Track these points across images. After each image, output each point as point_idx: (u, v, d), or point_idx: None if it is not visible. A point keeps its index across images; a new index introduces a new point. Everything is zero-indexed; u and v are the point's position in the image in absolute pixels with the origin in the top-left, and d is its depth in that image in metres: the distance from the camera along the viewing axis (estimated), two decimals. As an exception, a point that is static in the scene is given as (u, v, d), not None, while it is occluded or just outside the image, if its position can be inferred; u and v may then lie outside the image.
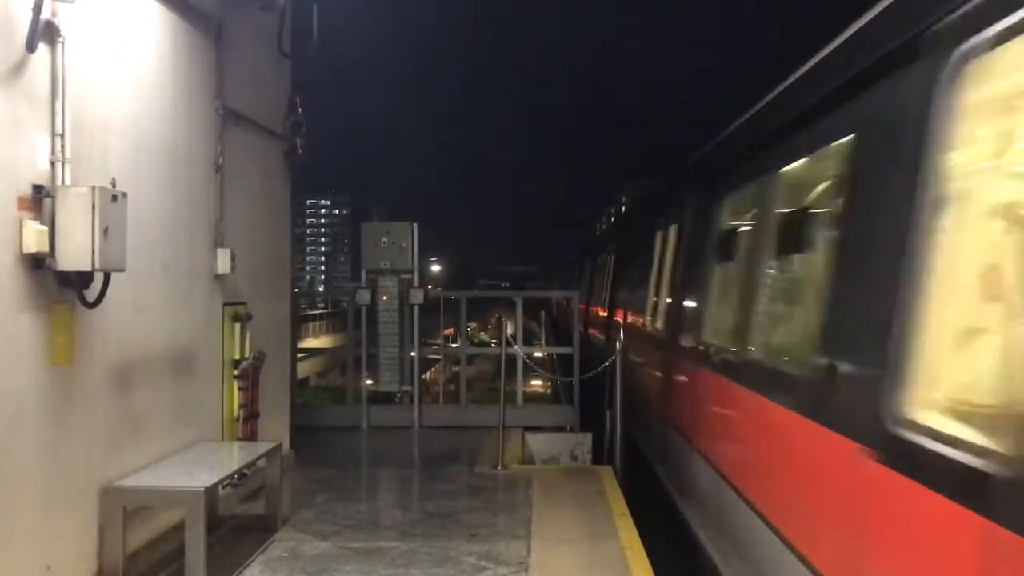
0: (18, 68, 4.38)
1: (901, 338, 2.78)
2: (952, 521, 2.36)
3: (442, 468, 8.73)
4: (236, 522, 6.62)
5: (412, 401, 11.13)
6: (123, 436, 5.42)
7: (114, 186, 4.86)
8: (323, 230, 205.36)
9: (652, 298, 9.82)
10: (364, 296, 11.07)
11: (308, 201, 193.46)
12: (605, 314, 16.00)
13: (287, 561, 5.79)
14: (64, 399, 4.74)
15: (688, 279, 7.48)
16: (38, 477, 4.52)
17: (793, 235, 4.45)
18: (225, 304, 7.05)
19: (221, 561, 5.63)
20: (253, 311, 7.49)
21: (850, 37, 3.98)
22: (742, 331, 5.21)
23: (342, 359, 12.80)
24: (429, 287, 18.20)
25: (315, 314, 34.97)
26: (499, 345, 11.30)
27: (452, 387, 17.72)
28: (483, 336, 51.70)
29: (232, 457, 6.39)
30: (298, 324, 14.10)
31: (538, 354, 17.02)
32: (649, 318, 9.85)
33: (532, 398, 18.00)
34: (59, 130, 4.63)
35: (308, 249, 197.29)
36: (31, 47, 4.43)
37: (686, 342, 7.10)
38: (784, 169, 4.72)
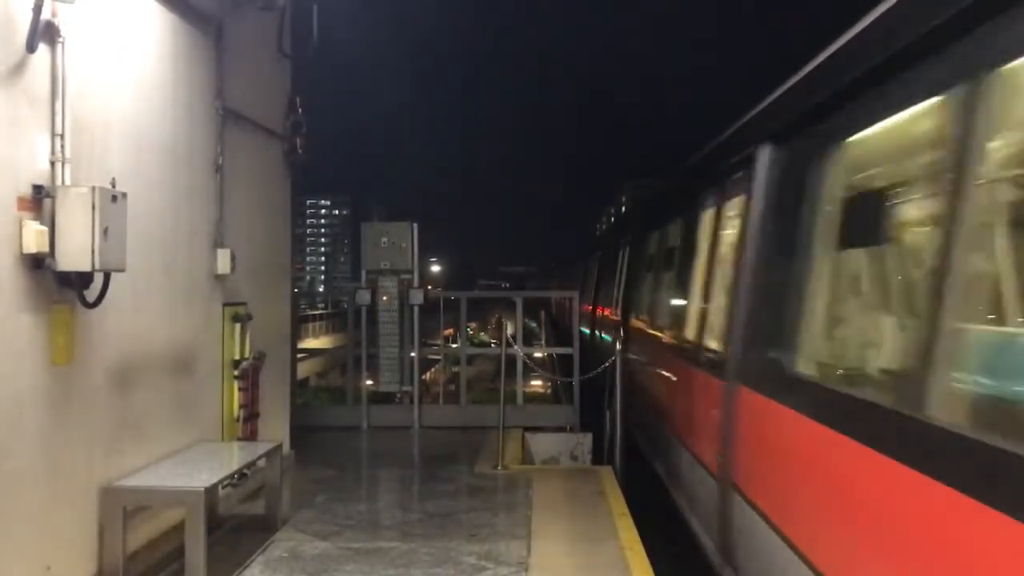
0: (18, 68, 4.38)
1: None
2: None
3: (442, 468, 8.73)
4: (236, 522, 6.62)
5: (412, 401, 11.13)
6: (123, 436, 5.42)
7: (114, 186, 4.86)
8: (323, 230, 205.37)
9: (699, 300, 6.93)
10: (364, 296, 11.07)
11: (308, 201, 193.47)
12: (619, 318, 13.00)
13: (287, 561, 5.79)
14: (64, 399, 4.74)
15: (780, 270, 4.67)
16: (38, 477, 4.52)
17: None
18: (225, 304, 7.06)
19: (221, 561, 5.62)
20: (253, 311, 7.49)
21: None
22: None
23: (342, 359, 12.79)
24: (429, 287, 18.19)
25: (315, 314, 34.97)
26: (499, 345, 11.30)
27: (452, 387, 17.71)
28: (483, 336, 51.70)
29: (232, 457, 6.39)
30: (298, 324, 14.09)
31: (538, 354, 17.00)
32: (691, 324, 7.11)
33: (532, 398, 17.98)
34: (59, 130, 4.63)
35: (308, 249, 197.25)
36: (31, 47, 4.43)
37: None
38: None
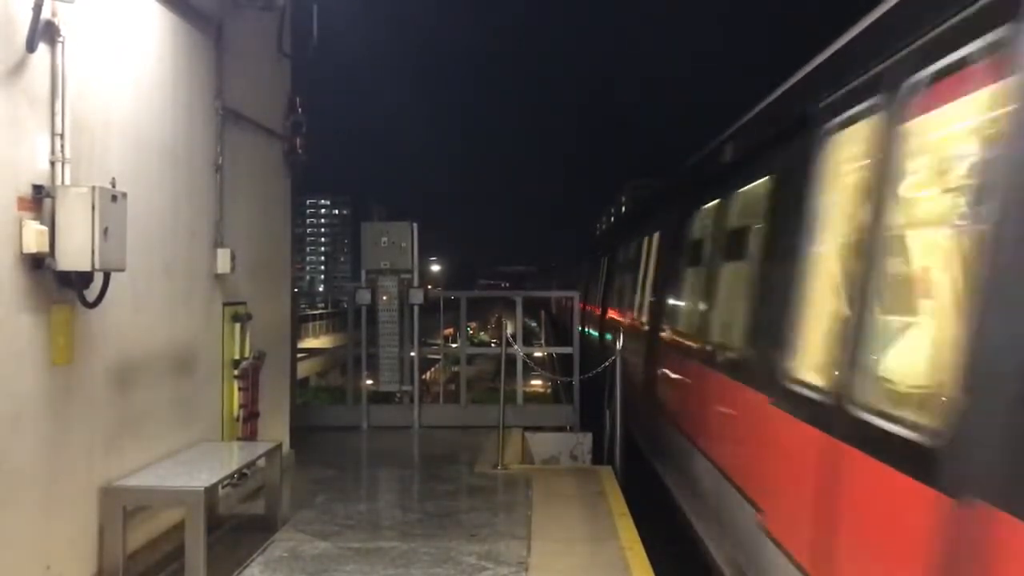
0: (18, 68, 4.38)
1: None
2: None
3: (442, 468, 8.73)
4: (236, 522, 6.62)
5: (412, 401, 11.13)
6: (123, 436, 5.42)
7: (114, 186, 4.86)
8: (323, 230, 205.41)
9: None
10: (364, 296, 11.07)
11: (308, 201, 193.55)
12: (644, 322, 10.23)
13: (287, 561, 5.79)
14: (64, 399, 4.74)
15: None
16: (38, 477, 4.52)
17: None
18: (225, 304, 7.05)
19: (221, 561, 5.63)
20: (253, 311, 7.49)
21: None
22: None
23: (342, 359, 12.79)
24: (429, 287, 18.18)
25: (315, 314, 34.95)
26: (499, 345, 11.29)
27: (452, 387, 17.68)
28: (483, 336, 51.70)
29: (232, 457, 6.39)
30: (298, 324, 14.10)
31: (538, 354, 17.00)
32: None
33: (532, 398, 17.95)
34: (59, 130, 4.63)
35: (308, 249, 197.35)
36: (31, 47, 4.43)
37: None
38: None
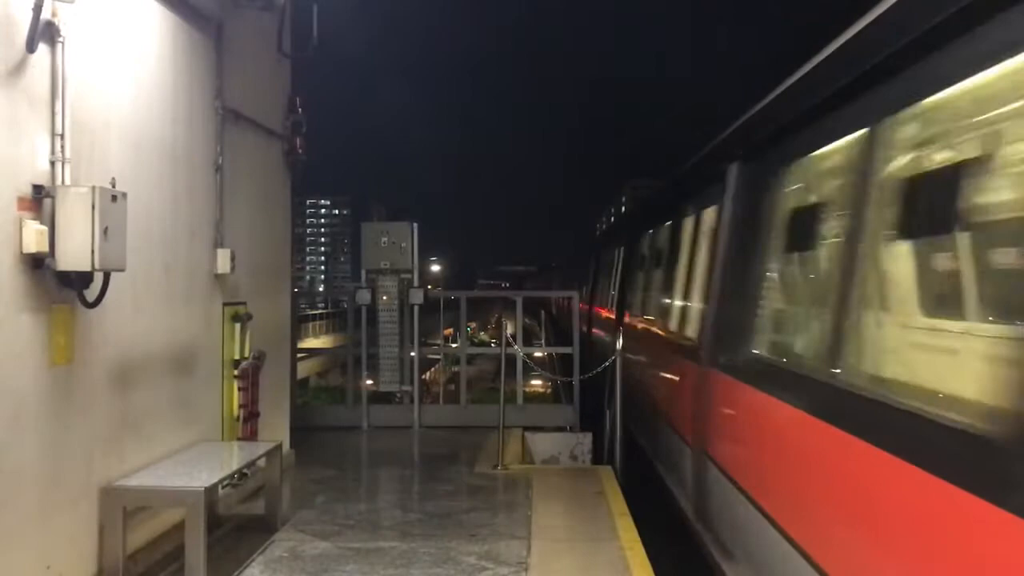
0: (18, 68, 4.38)
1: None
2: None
3: (442, 468, 8.73)
4: (236, 522, 6.62)
5: (412, 401, 11.13)
6: (123, 436, 5.42)
7: (114, 186, 4.86)
8: (323, 230, 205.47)
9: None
10: (364, 296, 11.07)
11: (308, 201, 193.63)
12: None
13: (287, 561, 5.79)
14: (64, 399, 4.74)
15: None
16: (38, 477, 4.52)
17: None
18: (225, 304, 7.06)
19: (221, 561, 5.63)
20: (253, 311, 7.49)
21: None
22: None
23: (342, 359, 12.79)
24: (429, 287, 18.17)
25: (315, 314, 34.98)
26: (499, 345, 11.30)
27: (452, 387, 17.69)
28: (483, 336, 51.72)
29: (232, 457, 6.39)
30: (298, 324, 14.10)
31: (538, 354, 17.00)
32: None
33: (532, 398, 17.95)
34: (59, 130, 4.63)
35: (308, 249, 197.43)
36: (31, 47, 4.43)
37: None
38: None
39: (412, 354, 11.22)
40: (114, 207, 4.71)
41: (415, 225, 11.35)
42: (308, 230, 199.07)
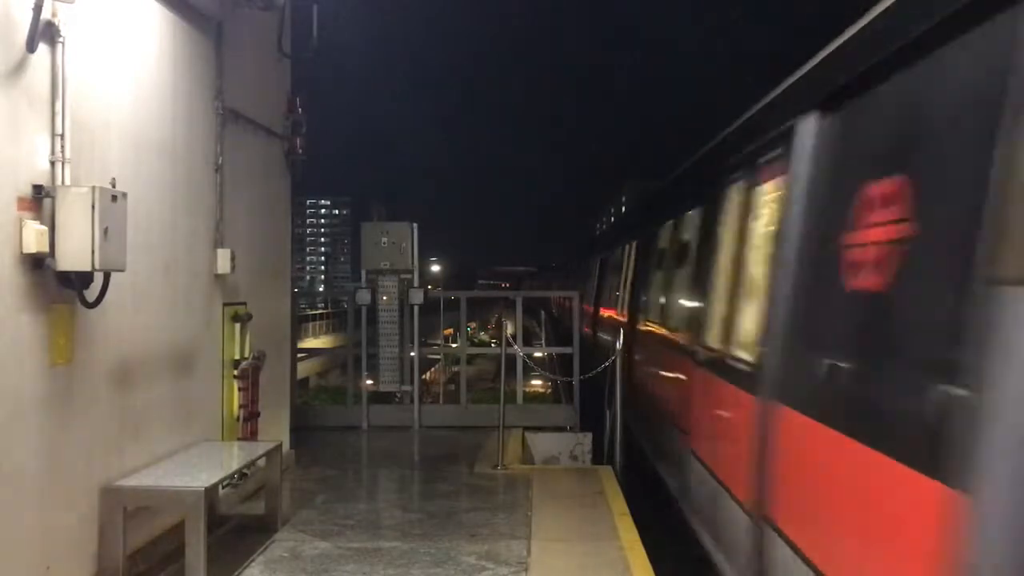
0: (18, 68, 4.38)
1: None
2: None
3: (442, 468, 8.74)
4: (236, 522, 6.62)
5: (412, 401, 11.13)
6: (123, 436, 5.42)
7: (114, 186, 4.86)
8: (323, 230, 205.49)
9: None
10: (364, 296, 11.08)
11: (308, 201, 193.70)
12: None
13: (287, 561, 5.79)
14: (64, 399, 4.74)
15: None
16: (38, 477, 4.52)
17: None
18: (225, 304, 7.06)
19: (221, 561, 5.62)
20: (253, 311, 7.49)
21: None
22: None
23: (342, 359, 12.79)
24: (429, 287, 18.17)
25: (315, 314, 34.96)
26: (499, 345, 11.30)
27: (452, 387, 17.69)
28: (483, 336, 51.70)
29: (232, 457, 6.39)
30: (298, 324, 14.10)
31: (538, 354, 16.99)
32: None
33: (532, 398, 17.94)
34: (59, 130, 4.63)
35: (308, 249, 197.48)
36: (31, 47, 4.43)
37: None
38: None
39: (412, 354, 11.22)
40: (114, 207, 4.71)
41: (415, 225, 11.36)
42: (308, 230, 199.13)
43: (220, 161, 6.90)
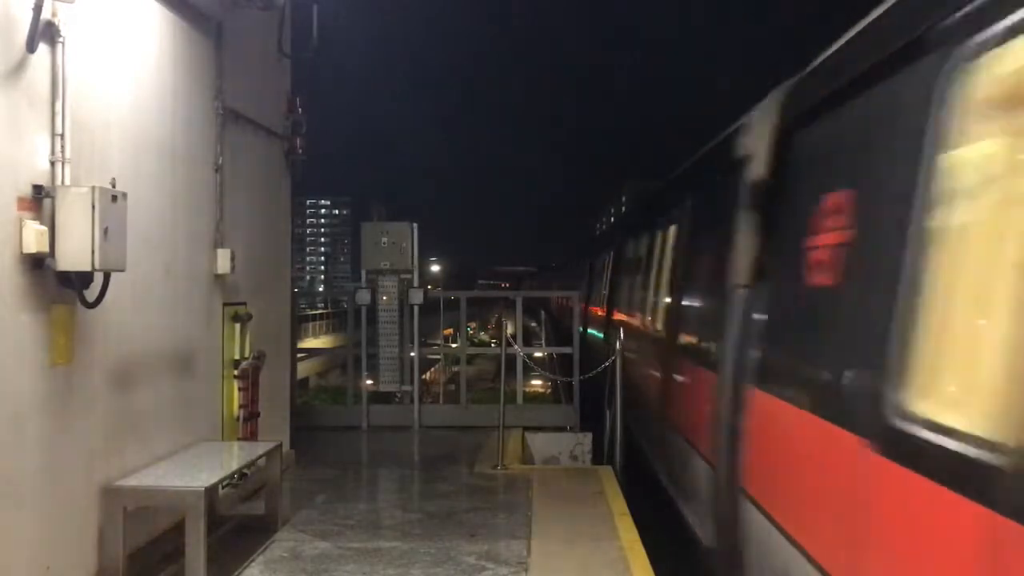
0: (18, 68, 4.38)
1: None
2: None
3: (442, 468, 8.74)
4: (236, 522, 6.62)
5: (412, 401, 11.13)
6: (123, 436, 5.42)
7: (114, 186, 4.86)
8: (323, 230, 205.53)
9: None
10: (364, 296, 11.08)
11: (308, 201, 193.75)
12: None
13: (287, 561, 5.79)
14: (64, 399, 4.74)
15: None
16: (38, 477, 4.52)
17: None
18: (225, 304, 7.06)
19: (221, 561, 5.63)
20: (253, 311, 7.49)
21: None
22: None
23: (342, 359, 12.78)
24: (429, 287, 18.17)
25: (315, 314, 34.95)
26: (499, 345, 11.30)
27: (452, 387, 17.67)
28: (483, 336, 51.67)
29: (232, 457, 6.39)
30: (298, 324, 14.10)
31: (538, 354, 16.98)
32: None
33: (532, 398, 17.93)
34: (59, 130, 4.63)
35: (308, 249, 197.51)
36: (31, 47, 4.43)
37: None
38: None
39: (412, 354, 11.22)
40: (114, 207, 4.72)
41: (415, 225, 11.36)
42: (308, 230, 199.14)
43: (220, 161, 6.90)
